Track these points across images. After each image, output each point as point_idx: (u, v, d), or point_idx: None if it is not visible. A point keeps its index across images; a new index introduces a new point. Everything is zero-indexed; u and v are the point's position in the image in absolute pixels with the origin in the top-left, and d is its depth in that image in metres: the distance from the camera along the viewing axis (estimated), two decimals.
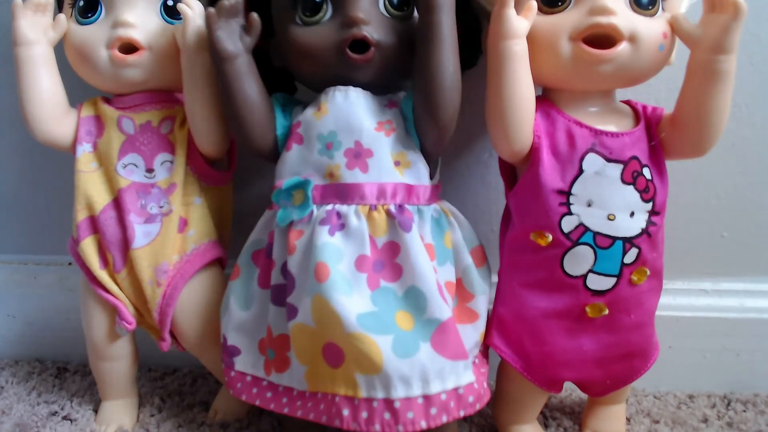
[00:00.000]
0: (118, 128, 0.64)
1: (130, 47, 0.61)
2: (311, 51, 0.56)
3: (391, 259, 0.55)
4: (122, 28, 0.60)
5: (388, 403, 0.52)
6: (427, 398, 0.52)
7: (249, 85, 0.57)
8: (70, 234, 0.66)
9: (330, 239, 0.54)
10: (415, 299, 0.54)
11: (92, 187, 0.64)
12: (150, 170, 0.64)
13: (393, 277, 0.55)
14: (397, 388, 0.51)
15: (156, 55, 0.62)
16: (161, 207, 0.63)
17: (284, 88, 0.65)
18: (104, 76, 0.63)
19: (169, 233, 0.63)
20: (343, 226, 0.55)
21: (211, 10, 0.56)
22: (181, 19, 0.59)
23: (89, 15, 0.63)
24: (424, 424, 0.52)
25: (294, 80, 0.66)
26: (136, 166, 0.64)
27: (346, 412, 0.52)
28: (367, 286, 0.54)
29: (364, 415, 0.52)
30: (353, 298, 0.53)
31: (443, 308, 0.54)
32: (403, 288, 0.54)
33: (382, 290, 0.54)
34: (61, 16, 0.63)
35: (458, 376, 0.53)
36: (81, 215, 0.64)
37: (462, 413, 0.53)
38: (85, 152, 0.65)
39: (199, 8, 0.59)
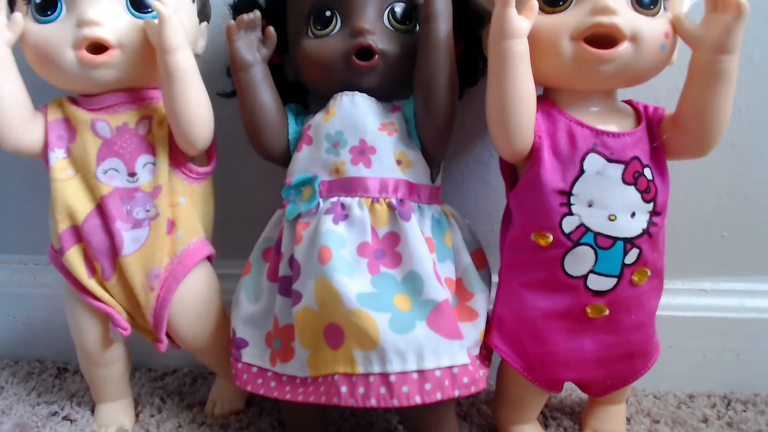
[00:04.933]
0: (92, 132, 0.61)
1: (98, 46, 0.57)
2: (322, 60, 0.60)
3: (391, 249, 0.57)
4: (88, 27, 0.57)
5: (384, 377, 0.53)
6: (422, 373, 0.54)
7: (264, 92, 0.61)
8: None
9: (334, 227, 0.57)
10: (413, 282, 0.56)
11: (71, 196, 0.61)
12: (132, 174, 0.61)
13: (393, 264, 0.57)
14: (392, 362, 0.53)
15: (127, 53, 0.58)
16: (148, 211, 0.61)
17: (297, 103, 0.67)
18: (71, 78, 0.59)
19: (158, 237, 0.61)
20: (346, 216, 0.58)
21: (231, 22, 0.60)
22: (149, 11, 0.57)
23: (48, 13, 0.58)
24: (418, 399, 0.53)
25: (306, 97, 0.69)
26: (117, 171, 0.61)
27: (344, 389, 0.54)
28: (368, 271, 0.57)
29: (360, 390, 0.53)
30: (354, 279, 0.55)
31: (439, 290, 0.56)
32: (403, 273, 0.57)
33: (382, 275, 0.57)
34: (17, 15, 0.59)
35: (453, 355, 0.55)
36: (62, 225, 0.61)
37: (457, 393, 0.54)
38: (58, 159, 0.62)
39: (173, 4, 0.57)
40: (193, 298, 0.64)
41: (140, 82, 0.62)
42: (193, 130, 0.60)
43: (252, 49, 0.61)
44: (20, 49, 0.61)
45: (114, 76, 0.60)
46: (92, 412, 0.72)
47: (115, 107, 0.62)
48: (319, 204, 0.59)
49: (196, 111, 0.60)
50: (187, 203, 0.63)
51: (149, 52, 0.58)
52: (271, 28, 0.61)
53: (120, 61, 0.59)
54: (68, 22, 0.58)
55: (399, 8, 0.60)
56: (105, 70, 0.59)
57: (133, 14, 0.59)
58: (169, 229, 0.62)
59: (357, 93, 0.60)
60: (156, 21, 0.56)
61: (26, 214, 0.85)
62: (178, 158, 0.63)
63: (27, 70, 0.61)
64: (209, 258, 0.66)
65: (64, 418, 0.70)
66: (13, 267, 0.87)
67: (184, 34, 0.58)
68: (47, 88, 0.62)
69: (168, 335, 0.65)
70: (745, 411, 0.70)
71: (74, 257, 0.62)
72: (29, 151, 0.62)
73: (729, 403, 0.72)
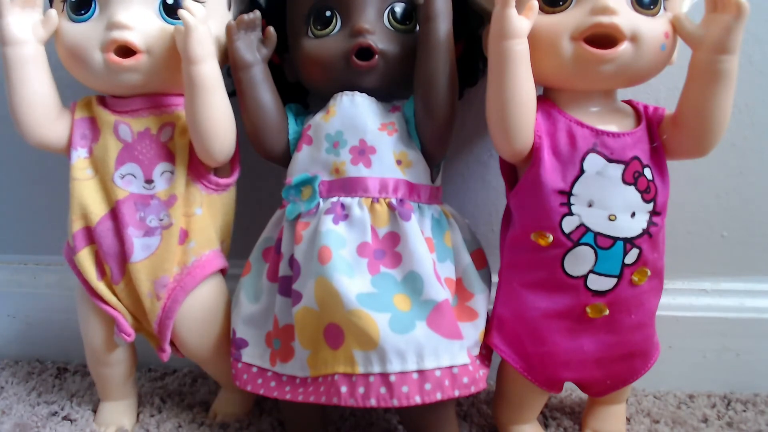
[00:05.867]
0: (114, 135, 0.61)
1: (126, 50, 0.57)
2: (322, 60, 0.60)
3: (391, 248, 0.57)
4: (117, 30, 0.57)
5: (384, 377, 0.53)
6: (422, 373, 0.54)
7: (264, 93, 0.61)
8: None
9: (334, 227, 0.57)
10: (413, 282, 0.56)
11: (88, 197, 0.61)
12: (149, 181, 0.61)
13: (393, 264, 0.57)
14: (392, 362, 0.53)
15: (154, 58, 0.58)
16: (161, 220, 0.61)
17: (297, 103, 0.67)
18: (99, 79, 0.60)
19: (169, 246, 0.61)
20: (346, 217, 0.58)
21: (231, 22, 0.60)
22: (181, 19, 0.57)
23: (82, 12, 0.59)
24: (418, 399, 0.53)
25: (306, 97, 0.70)
26: (135, 177, 0.61)
27: (344, 389, 0.54)
28: (368, 271, 0.57)
29: (360, 390, 0.54)
30: (354, 279, 0.55)
31: (439, 290, 0.56)
32: (403, 273, 0.57)
33: (382, 275, 0.57)
34: (52, 12, 0.59)
35: (453, 355, 0.55)
36: (76, 225, 0.61)
37: (457, 393, 0.55)
38: (80, 158, 0.62)
39: (201, 14, 0.56)
40: (200, 310, 0.63)
41: (166, 88, 0.62)
42: (212, 142, 0.59)
43: (252, 49, 0.60)
44: (53, 45, 0.61)
45: (140, 81, 0.59)
46: (92, 411, 0.72)
47: (139, 111, 0.62)
48: (319, 204, 0.59)
49: (217, 123, 0.59)
50: (203, 214, 0.63)
51: (176, 59, 0.58)
52: (271, 28, 0.61)
53: (147, 66, 0.58)
54: (99, 23, 0.58)
55: (399, 8, 0.60)
56: (131, 73, 0.59)
57: (165, 20, 0.59)
58: (182, 239, 0.62)
59: (357, 93, 0.60)
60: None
61: (26, 214, 0.86)
62: (198, 169, 0.62)
63: (62, 66, 0.61)
64: (222, 271, 0.66)
65: (64, 418, 0.70)
66: (13, 267, 0.87)
67: (211, 45, 0.57)
68: (81, 85, 0.62)
69: (172, 343, 0.65)
70: (745, 411, 0.70)
71: (85, 258, 0.62)
72: (53, 146, 0.62)
73: (729, 403, 0.72)
